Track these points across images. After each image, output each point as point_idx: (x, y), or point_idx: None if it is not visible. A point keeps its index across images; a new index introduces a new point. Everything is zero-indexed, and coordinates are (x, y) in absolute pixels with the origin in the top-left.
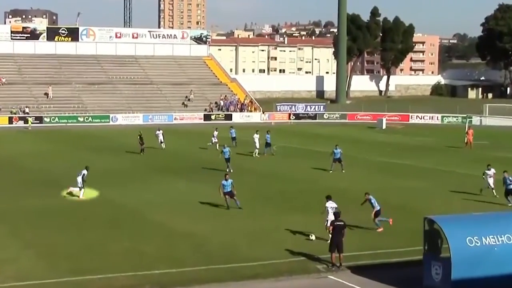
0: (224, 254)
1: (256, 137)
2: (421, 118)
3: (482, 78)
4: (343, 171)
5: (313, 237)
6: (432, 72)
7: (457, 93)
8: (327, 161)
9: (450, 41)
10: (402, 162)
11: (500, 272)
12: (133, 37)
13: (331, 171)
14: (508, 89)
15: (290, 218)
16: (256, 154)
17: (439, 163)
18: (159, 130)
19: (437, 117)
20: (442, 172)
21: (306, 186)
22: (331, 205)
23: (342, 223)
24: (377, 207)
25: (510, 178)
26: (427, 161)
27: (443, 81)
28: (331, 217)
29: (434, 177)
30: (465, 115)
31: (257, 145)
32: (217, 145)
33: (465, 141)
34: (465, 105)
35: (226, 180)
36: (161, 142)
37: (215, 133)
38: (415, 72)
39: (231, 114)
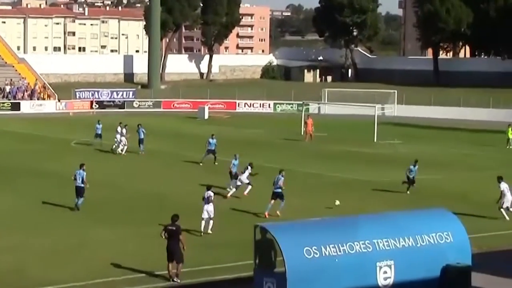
0: (9, 278)
1: (123, 131)
2: (250, 106)
3: (320, 58)
4: (216, 163)
5: (337, 202)
6: (263, 51)
7: (291, 75)
8: (138, 160)
9: (283, 13)
10: (229, 159)
11: (342, 287)
12: None
13: (201, 164)
14: (350, 71)
15: (97, 231)
16: (123, 151)
17: (273, 160)
18: None
19: (269, 104)
20: (276, 170)
21: (109, 192)
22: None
23: (174, 228)
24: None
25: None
26: (258, 158)
27: (275, 62)
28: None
29: (267, 177)
30: (301, 102)
31: (125, 140)
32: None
33: (303, 132)
34: (301, 90)
35: None
36: None
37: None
38: (242, 51)
39: (19, 103)
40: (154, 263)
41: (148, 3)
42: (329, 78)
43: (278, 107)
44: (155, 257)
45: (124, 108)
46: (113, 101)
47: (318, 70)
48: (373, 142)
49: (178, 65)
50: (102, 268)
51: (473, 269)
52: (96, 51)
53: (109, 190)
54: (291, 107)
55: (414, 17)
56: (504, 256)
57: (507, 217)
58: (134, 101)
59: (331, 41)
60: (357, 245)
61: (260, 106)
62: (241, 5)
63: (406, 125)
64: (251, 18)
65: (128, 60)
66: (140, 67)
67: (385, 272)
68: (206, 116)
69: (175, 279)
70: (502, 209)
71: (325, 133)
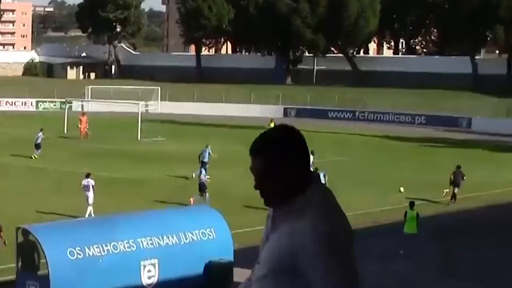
0: None
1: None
2: (12, 104)
3: (84, 54)
4: None
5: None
6: (25, 48)
7: (54, 72)
8: None
9: (46, 9)
10: None
11: (106, 287)
12: None
13: None
14: (113, 67)
15: None
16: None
17: (40, 159)
18: None
19: (32, 102)
20: (35, 169)
21: None
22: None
23: None
24: None
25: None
26: (18, 158)
27: (37, 58)
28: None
29: (24, 177)
30: (64, 100)
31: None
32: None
33: (66, 130)
34: (65, 88)
35: None
36: None
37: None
38: (4, 47)
39: None
40: None
41: None
42: (93, 75)
43: (40, 105)
44: None
45: None
46: None
47: (81, 67)
48: (137, 140)
49: None
50: None
51: (235, 264)
52: None
53: None
54: (54, 105)
55: (177, 13)
56: None
57: None
58: None
59: (94, 37)
60: (121, 244)
61: (22, 105)
62: (2, 0)
63: (171, 122)
64: (13, 13)
65: None
66: None
67: (149, 271)
68: None
69: None
70: None
71: (90, 131)
